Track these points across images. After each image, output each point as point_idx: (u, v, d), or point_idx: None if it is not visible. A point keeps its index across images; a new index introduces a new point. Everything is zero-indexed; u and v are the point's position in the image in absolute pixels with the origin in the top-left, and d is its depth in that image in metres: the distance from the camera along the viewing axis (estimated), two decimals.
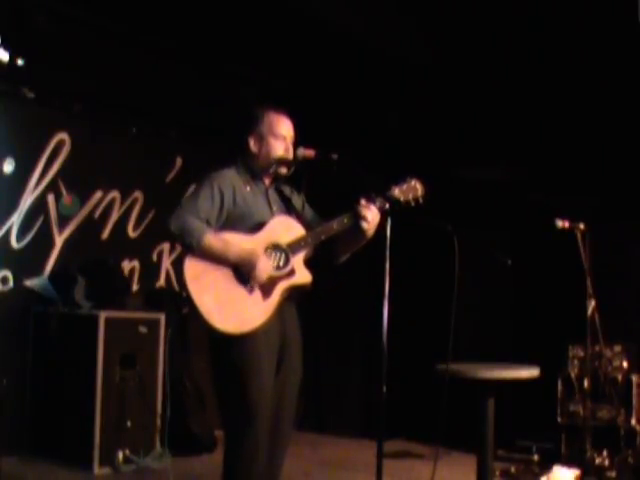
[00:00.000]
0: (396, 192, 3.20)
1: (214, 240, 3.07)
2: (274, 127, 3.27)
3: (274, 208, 3.28)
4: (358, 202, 3.18)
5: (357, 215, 3.15)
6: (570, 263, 4.89)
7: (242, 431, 3.05)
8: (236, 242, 3.11)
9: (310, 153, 3.25)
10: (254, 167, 3.29)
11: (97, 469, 4.72)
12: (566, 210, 5.01)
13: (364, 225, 3.15)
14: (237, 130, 3.43)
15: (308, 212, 3.40)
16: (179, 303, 5.25)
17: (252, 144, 3.29)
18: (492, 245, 6.25)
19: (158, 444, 5.02)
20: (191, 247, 3.05)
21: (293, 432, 3.34)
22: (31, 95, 5.22)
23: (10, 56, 4.82)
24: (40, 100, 5.28)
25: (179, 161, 6.17)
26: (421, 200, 3.21)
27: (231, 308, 3.04)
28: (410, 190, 3.21)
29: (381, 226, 3.16)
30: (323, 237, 3.21)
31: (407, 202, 3.20)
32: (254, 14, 5.05)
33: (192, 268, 3.06)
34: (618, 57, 5.01)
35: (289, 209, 3.34)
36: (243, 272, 3.07)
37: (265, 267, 3.08)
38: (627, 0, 4.45)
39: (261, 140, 3.28)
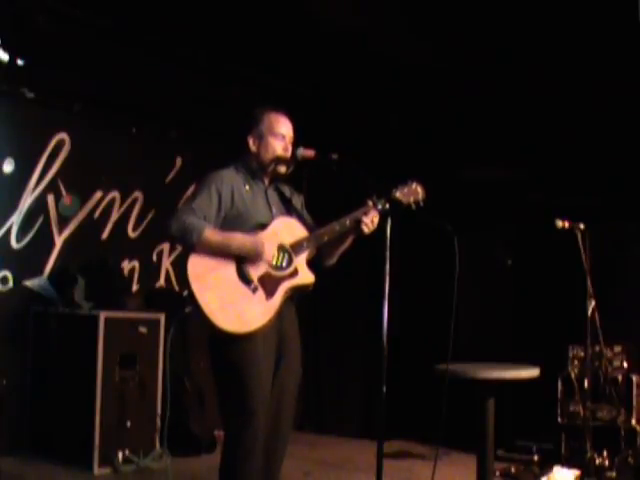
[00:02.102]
0: (397, 194, 3.21)
1: (214, 234, 3.08)
2: (273, 126, 3.28)
3: (273, 208, 3.29)
4: (362, 205, 3.20)
5: (360, 220, 3.18)
6: (570, 263, 4.88)
7: (240, 430, 3.06)
8: (238, 236, 3.12)
9: (310, 153, 3.26)
10: (253, 166, 3.31)
11: (97, 469, 4.73)
12: (566, 210, 5.00)
13: (365, 229, 3.18)
14: (237, 131, 3.44)
15: (306, 215, 3.42)
16: (180, 303, 5.24)
17: (251, 143, 3.30)
18: (492, 245, 6.25)
19: (158, 444, 5.02)
20: (192, 244, 3.05)
21: (293, 432, 3.35)
22: (31, 95, 5.22)
23: (10, 56, 4.82)
24: (40, 100, 5.27)
25: (179, 161, 6.17)
26: (422, 203, 3.23)
27: (234, 308, 3.04)
28: (411, 193, 3.23)
29: (381, 227, 3.18)
30: (326, 238, 3.23)
31: (408, 205, 3.22)
32: (255, 14, 5.05)
33: (195, 267, 3.06)
34: (618, 57, 5.00)
35: (288, 209, 3.35)
36: (248, 260, 3.07)
37: (271, 248, 3.10)
38: (627, 0, 4.44)
39: (260, 139, 3.29)
